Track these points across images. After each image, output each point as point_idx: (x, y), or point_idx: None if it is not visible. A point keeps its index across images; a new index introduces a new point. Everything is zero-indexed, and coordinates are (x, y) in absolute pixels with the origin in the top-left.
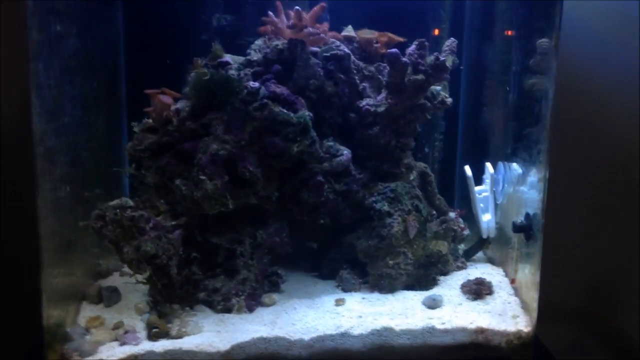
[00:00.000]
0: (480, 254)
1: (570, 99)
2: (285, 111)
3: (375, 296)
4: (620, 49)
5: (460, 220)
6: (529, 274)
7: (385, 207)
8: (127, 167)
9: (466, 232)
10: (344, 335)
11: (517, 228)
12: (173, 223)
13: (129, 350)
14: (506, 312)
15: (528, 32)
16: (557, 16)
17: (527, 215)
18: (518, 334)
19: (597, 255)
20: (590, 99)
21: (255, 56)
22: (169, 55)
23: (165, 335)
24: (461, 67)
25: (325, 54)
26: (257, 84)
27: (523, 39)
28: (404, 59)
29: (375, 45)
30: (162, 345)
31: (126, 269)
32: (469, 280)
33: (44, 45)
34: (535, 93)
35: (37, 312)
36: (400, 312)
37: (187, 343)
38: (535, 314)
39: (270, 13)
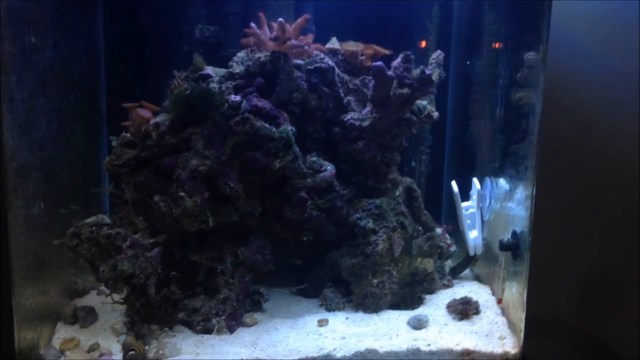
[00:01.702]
0: (467, 271)
1: (558, 115)
2: (267, 126)
3: (360, 316)
4: (609, 63)
5: (447, 236)
6: (516, 293)
7: (370, 224)
8: (105, 184)
9: (453, 248)
10: (327, 357)
11: (504, 246)
12: (152, 241)
13: None
14: (493, 333)
15: (516, 45)
16: (545, 29)
17: (514, 233)
18: (505, 356)
19: (585, 273)
20: (579, 115)
21: (237, 69)
22: (151, 66)
23: (142, 358)
24: (443, 74)
25: (309, 67)
26: (238, 98)
27: (511, 52)
28: (389, 73)
29: (361, 57)
30: None
31: (103, 287)
32: (455, 300)
33: (17, 57)
34: (522, 108)
35: (9, 334)
36: (384, 333)
37: None
38: (522, 335)
39: (253, 25)
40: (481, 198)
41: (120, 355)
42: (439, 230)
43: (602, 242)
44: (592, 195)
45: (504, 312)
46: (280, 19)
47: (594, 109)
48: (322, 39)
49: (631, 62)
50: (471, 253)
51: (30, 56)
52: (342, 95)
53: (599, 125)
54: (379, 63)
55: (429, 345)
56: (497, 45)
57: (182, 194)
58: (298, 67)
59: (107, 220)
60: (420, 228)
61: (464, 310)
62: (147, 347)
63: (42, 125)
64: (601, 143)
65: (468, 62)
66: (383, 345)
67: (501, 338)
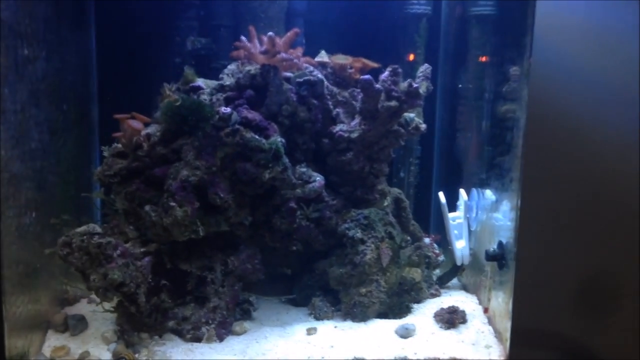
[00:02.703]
0: (454, 281)
1: (542, 128)
2: (257, 137)
3: (348, 324)
4: (593, 77)
5: (435, 245)
6: (502, 302)
7: (358, 234)
8: (96, 192)
9: (441, 258)
10: None
11: (489, 257)
12: (142, 250)
13: None
14: (479, 342)
15: (501, 59)
16: (528, 44)
17: (500, 243)
18: None
19: (570, 283)
20: (563, 128)
21: (228, 81)
22: (142, 78)
23: None
24: (430, 87)
25: (298, 80)
26: (229, 110)
27: (496, 66)
28: (377, 86)
29: (350, 70)
30: None
31: (94, 296)
32: (442, 309)
33: (10, 70)
34: (507, 121)
35: None
36: (372, 342)
37: None
38: (508, 344)
39: (243, 38)
40: (468, 209)
41: None
42: (426, 240)
43: (586, 252)
44: (576, 206)
45: (490, 322)
46: (270, 33)
47: (578, 122)
48: (311, 52)
49: (615, 75)
50: (458, 263)
51: (23, 68)
52: (331, 107)
53: (582, 138)
54: (367, 76)
55: (416, 353)
56: (483, 59)
57: (172, 204)
58: (288, 79)
59: (98, 229)
60: (409, 238)
61: (451, 319)
62: (137, 355)
63: (35, 136)
64: (585, 155)
65: (460, 86)
66: (371, 354)
67: (487, 347)
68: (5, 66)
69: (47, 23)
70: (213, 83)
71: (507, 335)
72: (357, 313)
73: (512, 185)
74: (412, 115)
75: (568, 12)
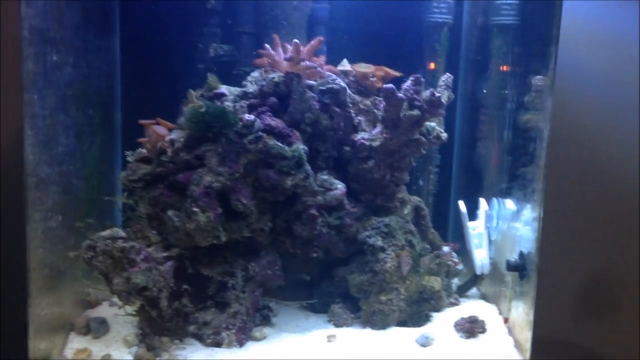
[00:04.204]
0: (473, 290)
1: (566, 139)
2: (279, 144)
3: (368, 332)
4: (617, 88)
5: (454, 254)
6: (522, 313)
7: (379, 242)
8: (119, 196)
9: (460, 266)
10: None
11: (511, 267)
12: (165, 254)
13: None
14: (499, 352)
15: (523, 69)
16: (553, 55)
17: (521, 254)
18: None
19: (592, 295)
20: (586, 139)
21: (251, 88)
22: (165, 84)
23: None
24: (452, 96)
25: (321, 88)
26: (252, 117)
27: (518, 76)
28: (400, 95)
29: (372, 79)
30: None
31: (115, 299)
32: (462, 318)
33: (40, 75)
34: (530, 132)
35: (23, 345)
36: (392, 350)
37: None
38: (528, 355)
39: (267, 46)
40: (488, 218)
41: None
42: (446, 249)
43: (609, 264)
44: (599, 217)
45: (510, 332)
46: (296, 40)
47: (602, 133)
48: (332, 60)
49: None
50: (478, 272)
51: (51, 74)
52: (353, 115)
53: (606, 150)
54: (389, 85)
55: None
56: (504, 68)
57: (195, 209)
58: (310, 87)
59: (122, 233)
60: (428, 246)
61: (471, 329)
62: (158, 359)
63: (62, 141)
64: (608, 167)
65: (485, 91)
66: None
67: (507, 357)
68: (34, 72)
69: (75, 29)
70: (236, 90)
71: (528, 345)
72: (377, 321)
73: (534, 196)
74: (433, 124)
75: (593, 23)
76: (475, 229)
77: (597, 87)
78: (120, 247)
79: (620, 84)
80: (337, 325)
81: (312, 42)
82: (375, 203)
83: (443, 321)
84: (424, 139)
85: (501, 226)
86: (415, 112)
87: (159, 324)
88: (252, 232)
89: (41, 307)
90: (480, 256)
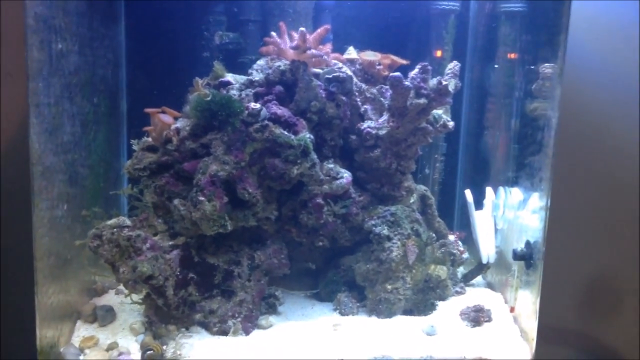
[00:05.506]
0: (479, 279)
1: (574, 128)
2: (286, 133)
3: (373, 321)
4: (627, 77)
5: (460, 243)
6: (528, 301)
7: (385, 231)
8: (125, 187)
9: (465, 255)
10: None
11: (517, 256)
12: (171, 243)
13: None
14: (505, 341)
15: (531, 56)
16: (563, 44)
17: (528, 243)
18: None
19: (598, 284)
20: (595, 129)
21: (257, 76)
22: (170, 72)
23: (160, 357)
24: (459, 85)
25: (327, 76)
26: (258, 105)
27: (526, 64)
28: (407, 83)
29: (378, 67)
30: None
31: (122, 287)
32: (468, 307)
33: (45, 64)
34: (537, 120)
35: (31, 332)
36: (398, 339)
37: None
38: (534, 343)
39: (273, 34)
40: (494, 207)
41: (138, 355)
42: (452, 237)
43: (616, 254)
44: (607, 208)
45: (516, 321)
46: (302, 29)
47: (610, 122)
48: (338, 48)
49: None
50: (484, 261)
51: (56, 62)
52: (360, 104)
53: (614, 139)
54: (397, 74)
55: (442, 351)
56: (512, 56)
57: (201, 198)
58: (316, 76)
59: (128, 222)
60: (434, 235)
61: (477, 317)
62: (164, 347)
63: (67, 129)
64: (616, 156)
65: (490, 80)
66: (398, 351)
67: (513, 346)
68: (40, 60)
69: (80, 17)
70: (242, 78)
71: (534, 334)
72: (383, 309)
73: (541, 185)
74: (439, 112)
75: (603, 12)
76: (481, 218)
77: (607, 75)
78: (126, 235)
79: (630, 73)
80: (342, 314)
81: (319, 30)
82: (381, 192)
83: (449, 310)
84: (430, 128)
85: (508, 215)
86: (422, 100)
87: (165, 312)
88: (258, 220)
89: (48, 295)
90: (486, 245)
